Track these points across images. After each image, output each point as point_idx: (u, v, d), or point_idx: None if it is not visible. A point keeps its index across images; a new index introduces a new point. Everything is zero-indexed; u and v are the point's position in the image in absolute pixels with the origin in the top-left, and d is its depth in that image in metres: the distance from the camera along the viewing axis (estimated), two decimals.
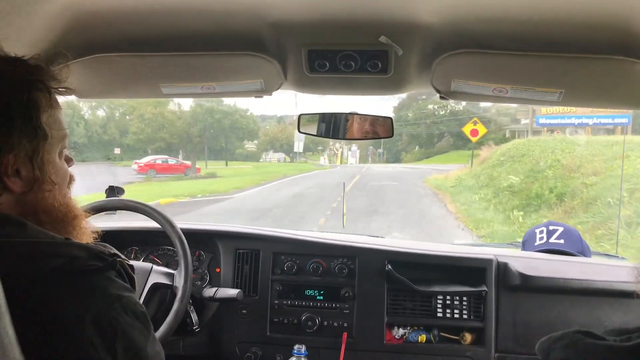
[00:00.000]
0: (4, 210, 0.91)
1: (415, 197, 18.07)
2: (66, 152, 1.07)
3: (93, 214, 1.92)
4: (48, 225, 0.96)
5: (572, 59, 1.39)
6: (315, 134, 2.01)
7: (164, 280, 1.86)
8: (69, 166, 1.09)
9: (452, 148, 46.69)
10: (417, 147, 51.86)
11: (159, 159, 29.99)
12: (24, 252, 0.84)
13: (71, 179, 1.09)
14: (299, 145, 23.47)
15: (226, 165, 37.32)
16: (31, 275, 0.82)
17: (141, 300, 1.77)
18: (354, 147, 49.96)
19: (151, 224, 1.94)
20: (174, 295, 1.82)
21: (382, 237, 2.73)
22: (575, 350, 0.89)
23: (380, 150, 52.09)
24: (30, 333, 0.78)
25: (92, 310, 0.83)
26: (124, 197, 2.06)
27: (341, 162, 47.61)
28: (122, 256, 1.00)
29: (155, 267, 1.87)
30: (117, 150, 33.79)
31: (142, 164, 28.12)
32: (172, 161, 30.46)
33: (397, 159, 50.54)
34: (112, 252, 0.98)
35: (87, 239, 1.07)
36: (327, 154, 51.83)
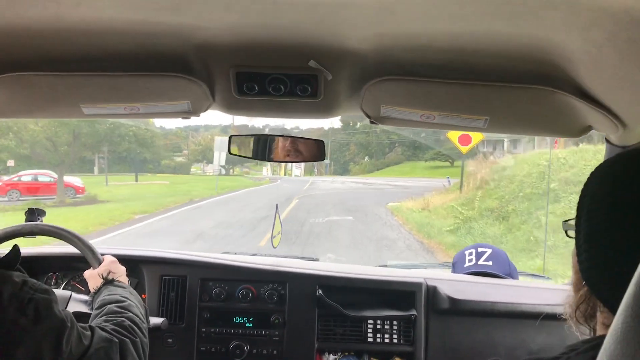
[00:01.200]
0: None
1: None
2: None
3: (4, 241, 1.81)
4: None
5: (495, 88, 1.42)
6: (246, 155, 1.97)
7: (83, 308, 1.75)
8: None
9: (404, 159, 45.21)
10: (366, 158, 49.31)
11: (25, 175, 21.94)
12: None
13: None
14: (220, 157, 21.33)
15: (136, 180, 30.86)
16: None
17: None
18: None
19: (72, 249, 1.85)
20: None
21: (316, 258, 2.71)
22: None
23: (327, 161, 47.99)
24: None
25: (5, 296, 0.96)
26: (44, 220, 1.95)
27: (285, 174, 45.52)
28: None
29: (74, 294, 1.77)
30: None
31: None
32: (45, 178, 21.98)
33: (345, 170, 47.89)
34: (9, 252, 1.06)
35: None
36: (270, 165, 48.60)
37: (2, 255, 1.03)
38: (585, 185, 0.87)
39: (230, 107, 1.65)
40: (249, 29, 1.33)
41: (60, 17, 1.28)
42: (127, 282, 1.75)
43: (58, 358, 1.00)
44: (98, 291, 1.64)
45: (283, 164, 47.44)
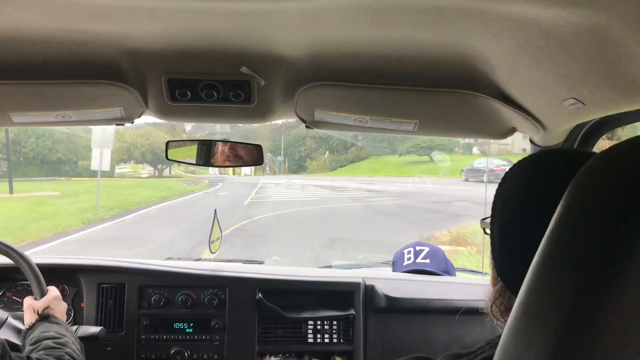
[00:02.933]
0: None
1: None
2: None
3: None
4: None
5: (422, 92, 1.47)
6: (184, 161, 1.97)
7: (14, 339, 1.70)
8: None
9: (370, 153, 39.14)
10: (327, 153, 42.82)
11: None
12: None
13: None
14: (101, 158, 14.18)
15: (10, 192, 20.49)
16: None
17: None
18: None
19: (3, 259, 1.79)
20: None
21: (261, 262, 2.72)
22: None
23: (281, 158, 42.95)
24: None
25: None
26: None
27: (234, 173, 39.88)
28: None
29: (10, 319, 1.74)
30: None
31: None
32: None
33: (300, 168, 41.64)
34: None
35: None
36: None
37: None
38: (499, 185, 0.92)
39: (164, 113, 1.65)
40: (179, 36, 1.33)
41: None
42: (65, 319, 1.70)
43: None
44: (32, 327, 1.57)
45: None
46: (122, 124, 1.74)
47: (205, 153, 1.95)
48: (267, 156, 39.49)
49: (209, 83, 1.50)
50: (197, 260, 2.66)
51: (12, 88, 1.48)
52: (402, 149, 35.36)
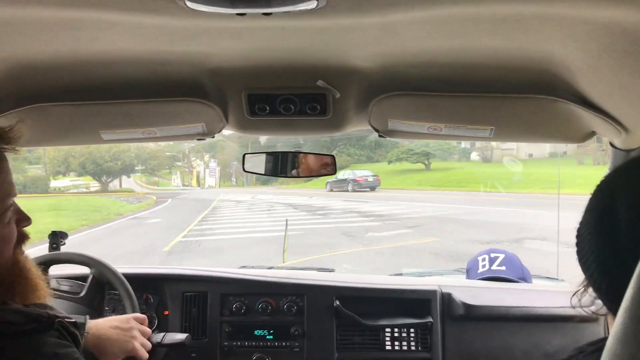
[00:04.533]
0: None
1: None
2: (11, 213, 1.03)
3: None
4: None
5: (499, 99, 1.47)
6: (259, 172, 2.04)
7: None
8: (23, 226, 1.07)
9: (351, 161, 33.35)
10: None
11: None
12: None
13: (22, 238, 1.06)
14: None
15: None
16: None
17: None
18: (213, 162, 37.91)
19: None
20: None
21: (331, 269, 2.76)
22: None
23: None
24: None
25: None
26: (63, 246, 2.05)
27: (198, 184, 37.24)
28: (62, 314, 0.99)
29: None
30: None
31: None
32: None
33: (272, 178, 31.63)
34: (50, 313, 0.96)
35: (37, 295, 1.04)
36: (182, 171, 38.16)
37: (38, 315, 0.94)
38: (605, 192, 0.85)
39: (243, 127, 1.71)
40: (259, 53, 1.39)
41: (77, 50, 1.36)
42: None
43: None
44: None
45: (194, 171, 37.99)
46: (203, 139, 1.82)
47: (280, 164, 2.01)
48: (232, 165, 35.86)
49: (287, 97, 1.55)
50: (270, 268, 2.73)
51: (102, 108, 1.58)
52: (392, 155, 31.39)
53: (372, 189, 25.82)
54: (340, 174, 26.85)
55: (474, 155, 29.03)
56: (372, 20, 1.09)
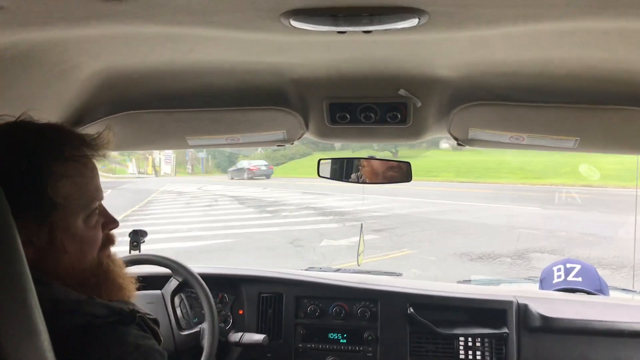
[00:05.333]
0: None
1: None
2: (98, 216, 1.05)
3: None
4: (73, 286, 0.98)
5: (585, 110, 1.45)
6: (332, 177, 2.07)
7: None
8: (110, 229, 1.09)
9: (313, 148, 28.61)
10: (259, 149, 31.02)
11: None
12: (47, 310, 0.81)
13: (109, 241, 1.09)
14: None
15: None
16: (56, 331, 0.82)
17: None
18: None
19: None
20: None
21: (399, 273, 2.77)
22: None
23: (203, 155, 35.23)
24: None
25: (112, 358, 0.90)
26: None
27: (154, 171, 35.02)
28: (143, 311, 1.05)
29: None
30: None
31: None
32: None
33: (232, 165, 31.00)
34: (131, 308, 1.01)
35: (122, 294, 1.08)
36: (138, 158, 34.99)
37: (122, 310, 0.99)
38: None
39: (323, 135, 1.75)
40: (341, 64, 1.43)
41: (172, 61, 1.43)
42: None
43: None
44: None
45: (150, 158, 35.36)
46: (283, 145, 1.87)
47: (356, 171, 2.04)
48: (188, 152, 34.48)
49: (368, 106, 1.58)
50: (337, 270, 2.76)
51: (191, 115, 1.66)
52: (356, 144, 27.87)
53: (267, 176, 27.38)
54: (239, 164, 29.21)
55: (443, 144, 27.26)
56: (465, 35, 1.10)
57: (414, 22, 0.95)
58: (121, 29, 1.09)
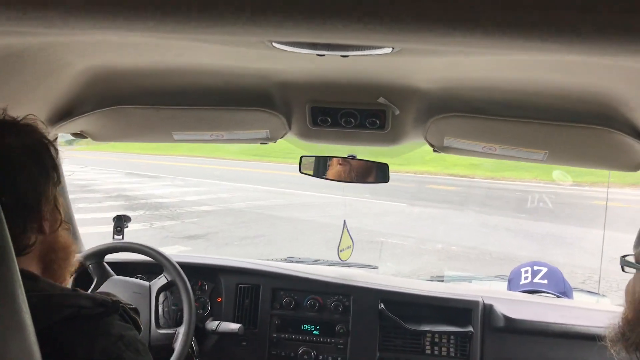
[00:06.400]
0: (34, 251, 1.02)
1: None
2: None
3: (98, 260, 2.08)
4: (57, 263, 1.07)
5: (555, 126, 1.53)
6: (314, 175, 2.14)
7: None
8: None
9: None
10: None
11: None
12: (38, 304, 0.87)
13: None
14: None
15: None
16: (45, 324, 0.89)
17: None
18: None
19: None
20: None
21: (375, 267, 2.86)
22: None
23: None
24: None
25: (97, 349, 0.95)
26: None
27: None
28: (124, 302, 1.11)
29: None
30: None
31: None
32: None
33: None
34: (114, 299, 1.07)
35: (69, 273, 1.15)
36: None
37: (104, 299, 1.04)
38: None
39: (304, 135, 1.82)
40: (326, 69, 1.49)
41: (161, 62, 1.49)
42: None
43: None
44: None
45: None
46: (266, 143, 1.93)
47: (328, 168, 2.11)
48: None
49: (348, 111, 1.65)
50: (316, 261, 2.84)
51: (177, 112, 1.71)
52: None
53: None
54: None
55: None
56: (440, 59, 1.17)
57: (388, 50, 1.02)
58: (111, 36, 1.14)
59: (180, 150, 19.65)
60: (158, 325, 2.00)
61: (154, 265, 2.12)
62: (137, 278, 2.29)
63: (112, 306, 1.03)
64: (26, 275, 0.90)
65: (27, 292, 0.83)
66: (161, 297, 2.09)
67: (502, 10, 0.58)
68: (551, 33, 0.62)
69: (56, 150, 1.08)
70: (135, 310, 1.13)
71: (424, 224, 9.88)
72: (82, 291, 1.05)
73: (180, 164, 18.08)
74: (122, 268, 2.19)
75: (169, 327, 2.06)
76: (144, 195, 12.40)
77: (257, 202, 11.59)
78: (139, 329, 1.10)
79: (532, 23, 0.60)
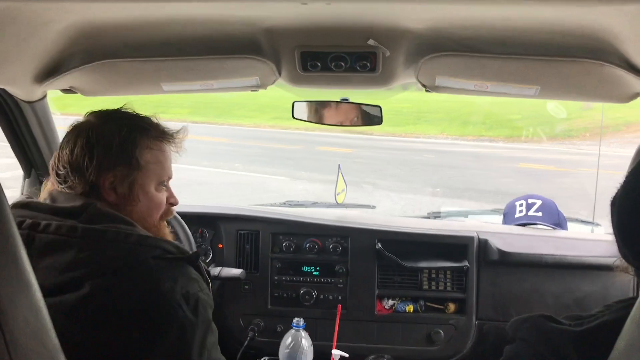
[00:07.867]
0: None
1: None
2: (165, 190, 1.35)
3: None
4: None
5: (546, 61, 1.52)
6: (308, 120, 2.14)
7: None
8: (170, 203, 1.38)
9: None
10: None
11: None
12: (136, 241, 1.13)
13: (167, 212, 1.37)
14: None
15: None
16: (139, 258, 1.12)
17: None
18: None
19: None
20: None
21: (373, 206, 2.90)
22: (537, 332, 1.03)
23: None
24: (135, 300, 1.09)
25: (179, 284, 1.13)
26: None
27: None
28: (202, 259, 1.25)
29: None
30: None
31: None
32: None
33: None
34: (195, 252, 1.28)
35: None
36: None
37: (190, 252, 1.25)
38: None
39: (295, 81, 1.81)
40: (312, 15, 1.47)
41: (145, 14, 1.46)
42: None
43: (203, 352, 1.16)
44: None
45: None
46: (256, 90, 1.92)
47: (329, 113, 2.11)
48: None
49: (338, 55, 1.63)
50: (314, 203, 2.88)
51: (165, 63, 1.69)
52: None
53: None
54: None
55: None
56: None
57: None
58: None
59: None
60: None
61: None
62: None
63: (193, 256, 1.23)
64: (124, 221, 1.19)
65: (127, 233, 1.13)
66: None
67: None
68: None
69: (142, 140, 1.30)
70: (208, 272, 1.32)
71: None
72: (169, 240, 1.27)
73: None
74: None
75: None
76: None
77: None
78: (206, 281, 1.27)
79: None
